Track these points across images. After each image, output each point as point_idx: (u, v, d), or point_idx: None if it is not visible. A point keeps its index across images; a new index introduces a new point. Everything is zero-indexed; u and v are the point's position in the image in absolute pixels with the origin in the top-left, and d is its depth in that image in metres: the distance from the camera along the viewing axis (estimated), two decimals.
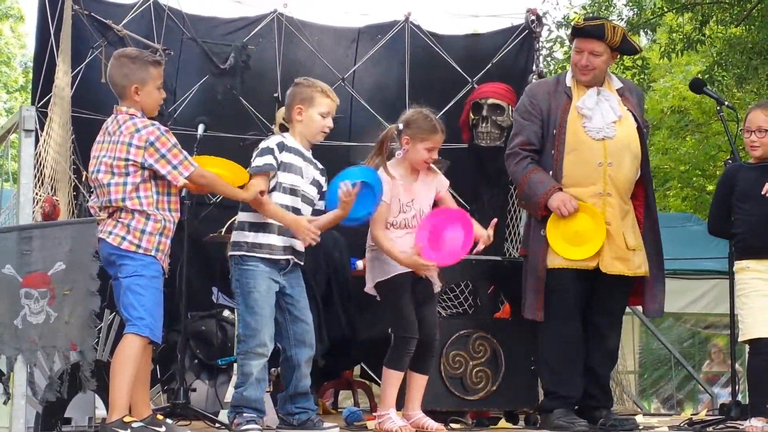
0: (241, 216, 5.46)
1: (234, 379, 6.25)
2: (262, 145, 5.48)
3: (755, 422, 5.89)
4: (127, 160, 4.96)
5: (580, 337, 6.06)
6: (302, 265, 5.53)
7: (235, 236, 5.43)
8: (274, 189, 5.40)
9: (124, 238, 4.89)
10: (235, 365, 6.34)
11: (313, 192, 5.55)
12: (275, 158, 5.39)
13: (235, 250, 5.39)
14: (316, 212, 5.57)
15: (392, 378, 5.60)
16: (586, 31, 6.14)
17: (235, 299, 5.49)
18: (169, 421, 5.22)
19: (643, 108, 6.49)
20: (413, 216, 5.69)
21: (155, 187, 5.02)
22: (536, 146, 6.15)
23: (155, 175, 5.00)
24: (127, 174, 4.97)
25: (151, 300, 4.88)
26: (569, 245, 5.98)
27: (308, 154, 5.57)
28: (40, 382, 4.14)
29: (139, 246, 4.91)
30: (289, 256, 5.42)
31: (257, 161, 5.40)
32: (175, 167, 4.98)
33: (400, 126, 5.70)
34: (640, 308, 6.64)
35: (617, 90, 6.25)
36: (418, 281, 5.65)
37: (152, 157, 4.96)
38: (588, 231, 5.95)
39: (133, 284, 4.86)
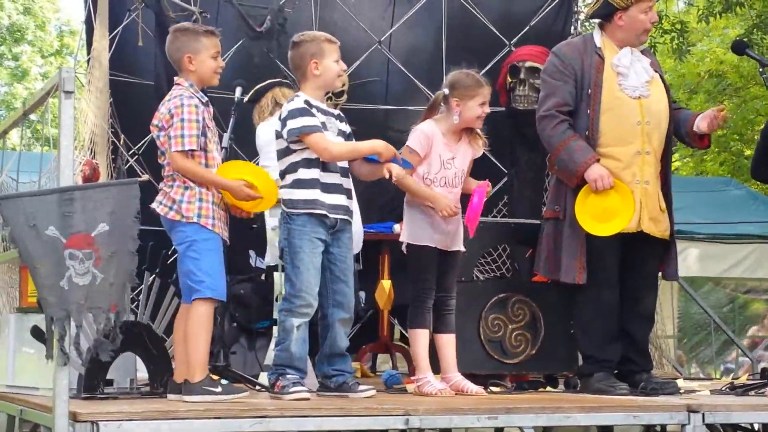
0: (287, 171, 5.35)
1: (274, 342, 6.27)
2: (291, 107, 5.30)
3: None
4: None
5: (617, 302, 6.01)
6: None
7: (284, 193, 5.32)
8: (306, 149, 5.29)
9: (170, 208, 4.95)
10: (275, 328, 6.37)
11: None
12: (314, 115, 5.29)
13: (286, 206, 5.30)
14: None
15: (419, 337, 5.62)
16: None
17: (282, 257, 5.43)
18: (224, 381, 5.34)
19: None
20: (454, 175, 5.67)
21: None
22: (571, 107, 6.04)
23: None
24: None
25: (209, 261, 4.93)
26: (595, 221, 5.88)
27: (324, 106, 5.44)
28: (83, 344, 4.15)
29: (182, 216, 4.94)
30: (339, 215, 5.32)
31: (303, 121, 5.25)
32: (170, 137, 4.96)
33: (446, 90, 5.67)
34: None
35: (641, 52, 6.21)
36: (447, 254, 5.65)
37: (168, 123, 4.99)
38: (615, 208, 5.84)
39: (189, 251, 4.92)
